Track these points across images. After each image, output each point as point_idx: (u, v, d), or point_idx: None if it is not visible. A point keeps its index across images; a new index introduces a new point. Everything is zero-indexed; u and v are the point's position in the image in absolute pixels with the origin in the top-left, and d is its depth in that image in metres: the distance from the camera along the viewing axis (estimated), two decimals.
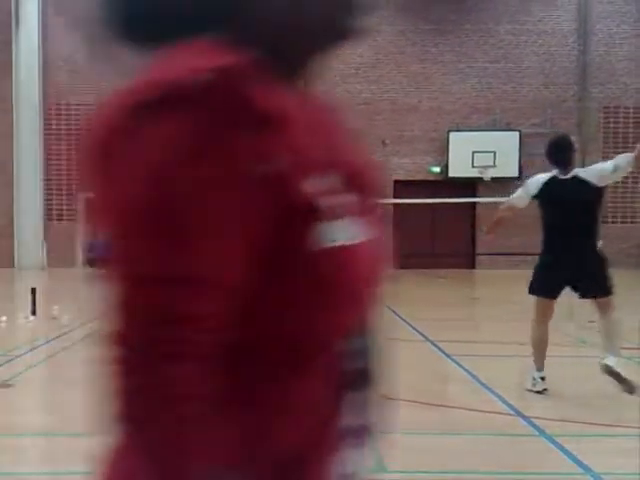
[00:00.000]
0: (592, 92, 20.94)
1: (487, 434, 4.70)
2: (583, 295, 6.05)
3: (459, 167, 20.34)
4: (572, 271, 5.76)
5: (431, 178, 20.79)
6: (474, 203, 20.30)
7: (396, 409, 4.65)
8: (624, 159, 5.67)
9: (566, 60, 20.97)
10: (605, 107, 20.97)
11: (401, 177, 20.84)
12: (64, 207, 20.39)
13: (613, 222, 21.12)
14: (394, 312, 11.17)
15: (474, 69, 20.87)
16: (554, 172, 5.92)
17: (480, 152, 20.25)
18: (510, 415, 5.14)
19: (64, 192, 20.43)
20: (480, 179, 20.42)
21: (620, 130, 21.03)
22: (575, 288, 6.04)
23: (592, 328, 9.31)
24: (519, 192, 6.12)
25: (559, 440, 4.51)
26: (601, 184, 5.70)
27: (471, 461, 4.19)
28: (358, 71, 20.77)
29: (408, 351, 7.88)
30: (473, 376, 6.37)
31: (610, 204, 21.11)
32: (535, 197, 5.91)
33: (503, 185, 20.32)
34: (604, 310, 6.00)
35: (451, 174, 20.47)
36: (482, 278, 19.25)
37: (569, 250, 5.69)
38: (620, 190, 21.08)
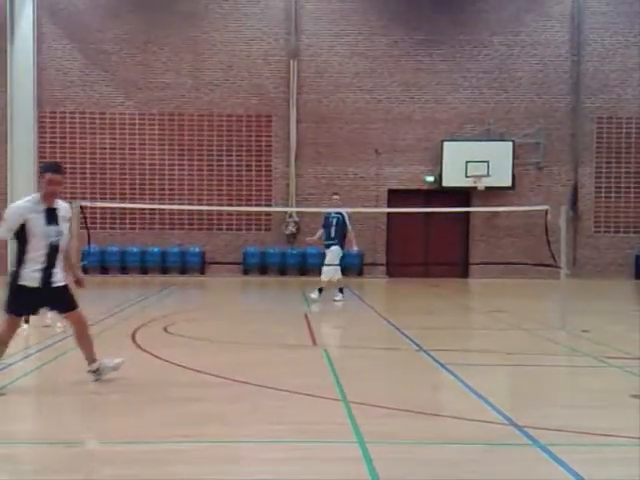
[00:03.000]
0: (585, 102, 21.06)
1: (480, 443, 4.71)
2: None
3: (453, 177, 20.40)
4: None
5: (425, 187, 20.84)
6: (468, 212, 20.35)
7: (389, 418, 4.69)
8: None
9: (559, 70, 21.09)
10: (598, 117, 21.08)
11: (395, 186, 20.89)
12: None
13: (605, 232, 21.20)
14: (387, 320, 11.18)
15: (468, 79, 20.97)
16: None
17: (474, 162, 20.32)
18: (503, 424, 5.14)
19: None
20: (474, 188, 20.48)
21: (613, 140, 21.14)
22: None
23: (583, 337, 9.34)
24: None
25: (553, 449, 4.51)
26: None
27: (464, 470, 4.19)
28: (353, 80, 20.84)
29: (402, 360, 7.88)
30: (466, 385, 6.37)
31: (601, 215, 21.20)
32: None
33: (497, 195, 20.41)
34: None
35: (445, 183, 20.52)
36: (475, 287, 19.28)
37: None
38: (613, 200, 21.18)
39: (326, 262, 13.49)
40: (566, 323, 9.89)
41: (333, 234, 13.42)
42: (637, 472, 4.17)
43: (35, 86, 20.27)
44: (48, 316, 9.57)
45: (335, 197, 14.27)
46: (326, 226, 13.65)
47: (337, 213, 13.52)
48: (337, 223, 13.43)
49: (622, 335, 9.68)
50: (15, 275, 6.11)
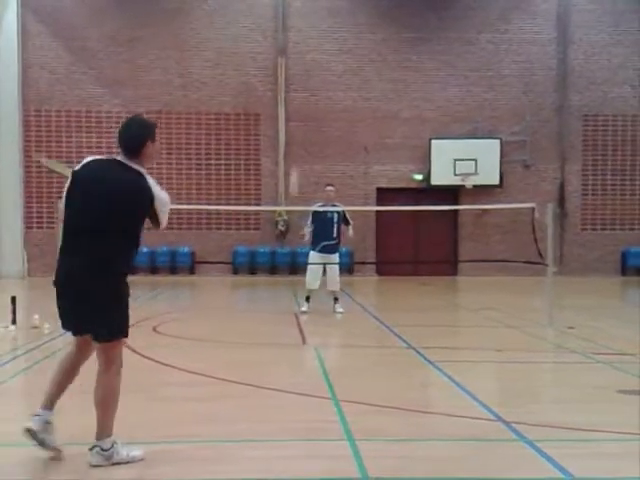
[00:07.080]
0: (572, 100, 21.17)
1: (468, 439, 4.74)
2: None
3: (441, 175, 20.46)
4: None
5: (413, 186, 20.88)
6: (456, 210, 20.42)
7: (378, 415, 4.72)
8: None
9: (546, 68, 21.19)
10: (585, 115, 21.21)
11: (383, 185, 20.92)
12: (44, 214, 20.24)
13: (592, 229, 21.33)
14: (377, 319, 11.21)
15: (455, 77, 21.02)
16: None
17: (462, 160, 20.39)
18: (491, 420, 5.18)
19: (44, 199, 20.28)
20: (462, 187, 20.55)
21: (599, 138, 21.27)
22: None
23: (570, 334, 9.41)
24: None
25: (539, 445, 4.55)
26: None
27: (452, 467, 4.23)
28: (340, 78, 20.85)
29: (391, 357, 7.91)
30: (455, 382, 6.41)
31: (588, 212, 21.33)
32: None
33: (485, 192, 20.49)
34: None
35: (433, 182, 20.58)
36: (464, 285, 19.36)
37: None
38: (599, 197, 21.32)
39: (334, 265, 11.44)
40: (553, 320, 9.96)
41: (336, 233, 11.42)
42: (624, 466, 4.22)
43: (20, 84, 20.12)
44: (35, 317, 9.53)
45: (330, 188, 11.88)
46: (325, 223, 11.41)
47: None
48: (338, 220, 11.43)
49: (608, 331, 9.77)
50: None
